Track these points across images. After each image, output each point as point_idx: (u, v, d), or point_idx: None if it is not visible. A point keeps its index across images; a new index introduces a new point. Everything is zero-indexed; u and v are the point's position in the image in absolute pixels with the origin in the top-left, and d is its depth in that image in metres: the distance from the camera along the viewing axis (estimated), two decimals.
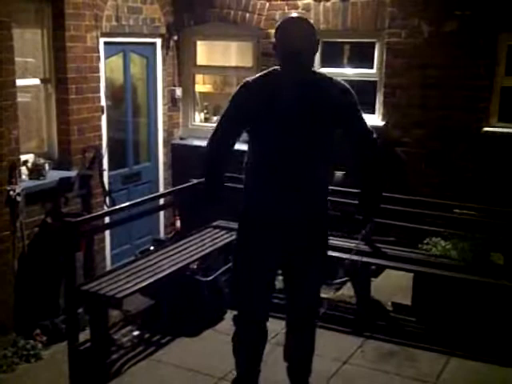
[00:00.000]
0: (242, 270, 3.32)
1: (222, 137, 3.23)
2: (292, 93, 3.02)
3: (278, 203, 3.12)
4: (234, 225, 5.26)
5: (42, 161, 5.02)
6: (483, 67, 5.42)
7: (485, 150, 5.47)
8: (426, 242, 5.11)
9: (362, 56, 6.11)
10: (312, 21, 5.92)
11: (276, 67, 3.13)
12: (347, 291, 5.20)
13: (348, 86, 3.18)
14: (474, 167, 5.52)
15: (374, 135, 3.27)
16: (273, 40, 3.11)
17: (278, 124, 3.03)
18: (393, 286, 5.15)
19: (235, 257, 3.39)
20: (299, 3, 6.00)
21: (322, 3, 5.92)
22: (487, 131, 5.47)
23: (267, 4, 6.13)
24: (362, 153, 3.28)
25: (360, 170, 3.35)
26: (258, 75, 3.22)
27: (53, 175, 5.07)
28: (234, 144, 3.25)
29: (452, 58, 5.51)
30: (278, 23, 3.08)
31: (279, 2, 6.08)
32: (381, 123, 5.79)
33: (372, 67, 5.95)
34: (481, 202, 5.03)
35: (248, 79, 3.18)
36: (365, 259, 4.79)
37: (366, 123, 3.24)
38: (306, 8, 5.97)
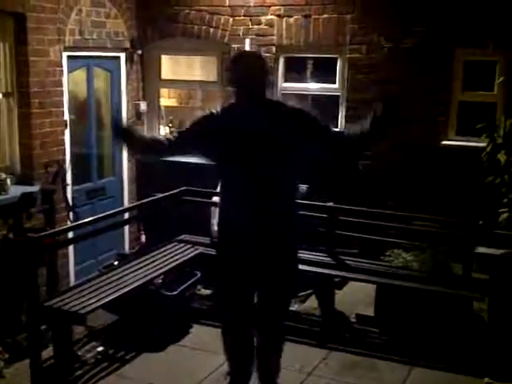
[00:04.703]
0: (221, 288, 3.58)
1: (173, 143, 3.45)
2: (251, 124, 3.20)
3: (246, 228, 3.28)
4: (199, 239, 5.34)
5: (3, 175, 4.95)
6: (441, 82, 5.57)
7: (444, 162, 5.60)
8: (388, 253, 5.20)
9: (324, 71, 6.20)
10: (275, 37, 6.11)
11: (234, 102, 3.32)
12: (311, 303, 5.25)
13: (299, 106, 3.34)
14: (434, 180, 5.64)
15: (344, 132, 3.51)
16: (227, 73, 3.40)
17: (240, 155, 3.21)
18: (356, 297, 5.21)
19: (216, 277, 3.55)
20: (262, 19, 6.08)
21: (284, 19, 6.01)
22: (446, 144, 5.62)
23: (231, 19, 6.19)
24: (341, 149, 3.40)
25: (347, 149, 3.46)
26: (221, 107, 3.38)
27: (15, 190, 5.00)
28: (174, 154, 3.67)
29: (411, 73, 5.65)
30: (232, 56, 3.27)
31: (243, 18, 6.14)
32: None
33: (335, 82, 6.05)
34: (441, 214, 5.14)
35: (213, 110, 3.34)
36: (328, 271, 4.87)
37: (331, 131, 3.40)
38: (269, 24, 6.06)
